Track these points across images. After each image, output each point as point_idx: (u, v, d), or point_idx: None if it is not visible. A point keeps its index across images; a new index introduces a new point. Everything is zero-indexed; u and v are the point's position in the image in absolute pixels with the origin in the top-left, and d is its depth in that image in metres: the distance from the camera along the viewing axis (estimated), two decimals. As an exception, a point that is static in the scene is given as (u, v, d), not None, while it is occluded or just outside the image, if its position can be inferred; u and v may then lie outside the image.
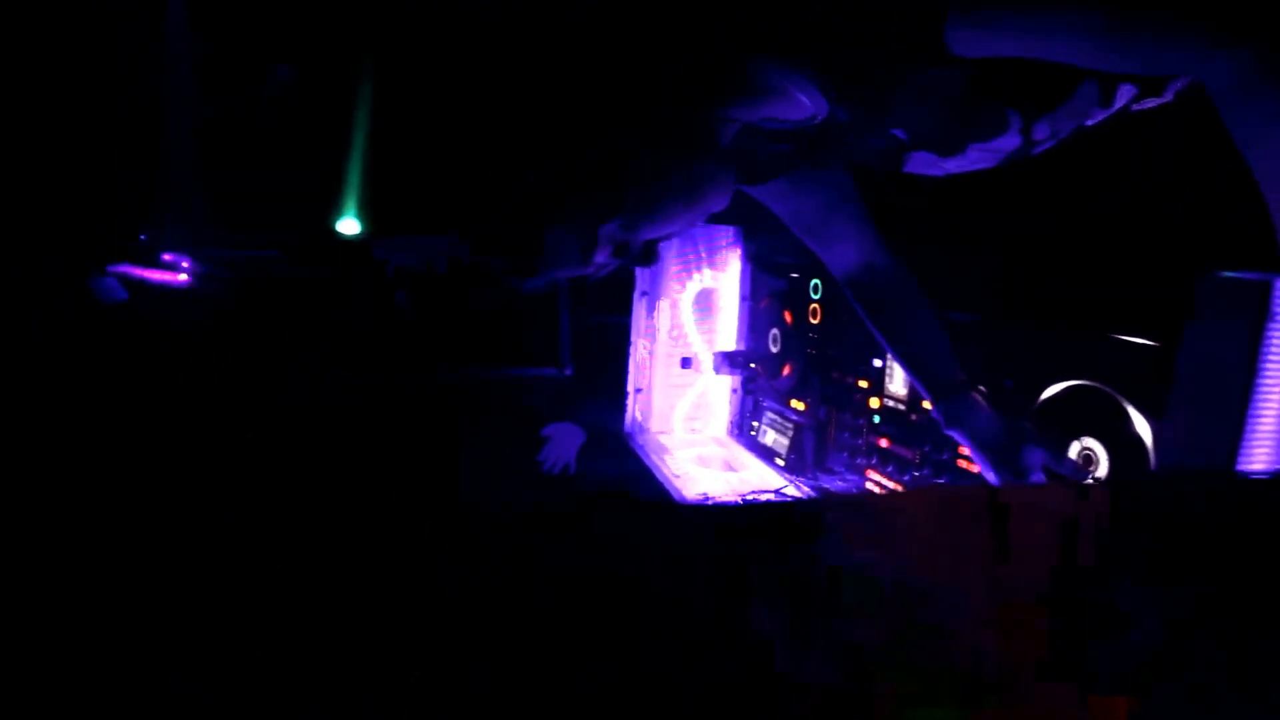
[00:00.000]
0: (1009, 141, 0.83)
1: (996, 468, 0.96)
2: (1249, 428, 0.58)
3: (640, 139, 0.77)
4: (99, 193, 2.29)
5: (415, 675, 0.31)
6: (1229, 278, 0.60)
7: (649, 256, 0.84)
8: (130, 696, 0.29)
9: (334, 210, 2.98)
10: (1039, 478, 0.92)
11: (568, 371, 2.17)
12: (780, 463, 1.69)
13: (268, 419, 2.18)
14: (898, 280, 1.05)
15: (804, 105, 0.80)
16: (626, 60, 0.79)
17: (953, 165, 0.89)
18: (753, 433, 1.85)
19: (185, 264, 2.32)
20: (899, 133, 0.84)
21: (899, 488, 1.29)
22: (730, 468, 1.86)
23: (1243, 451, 0.58)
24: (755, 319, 1.81)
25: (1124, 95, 0.79)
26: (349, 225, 2.97)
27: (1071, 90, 0.77)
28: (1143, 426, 0.82)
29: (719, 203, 0.83)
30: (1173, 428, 0.69)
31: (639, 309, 1.98)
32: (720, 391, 2.09)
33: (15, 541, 0.33)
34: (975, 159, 0.86)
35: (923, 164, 0.89)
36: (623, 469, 1.82)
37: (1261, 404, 0.58)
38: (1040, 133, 0.82)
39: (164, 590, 0.33)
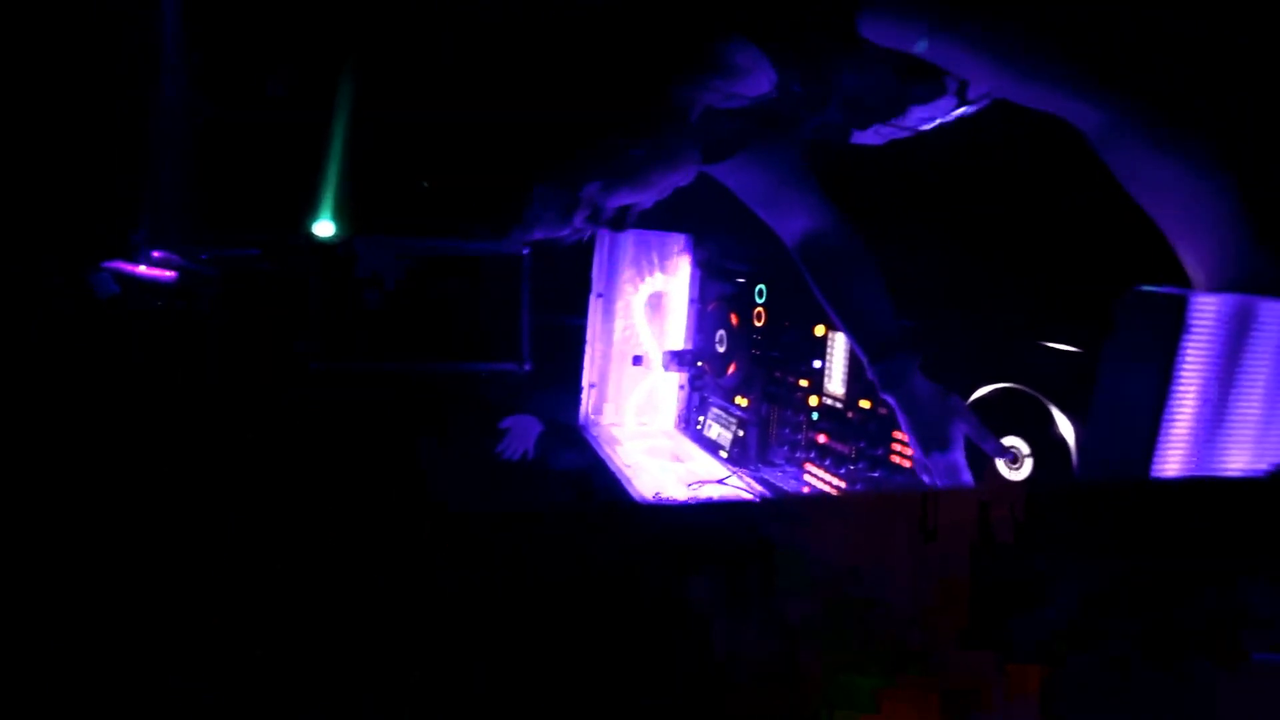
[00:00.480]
0: (946, 104, 0.91)
1: (923, 439, 1.01)
2: (1162, 435, 0.60)
3: (623, 111, 0.82)
4: (94, 191, 2.23)
5: (410, 672, 0.32)
6: (1147, 292, 0.61)
7: (620, 222, 0.89)
8: (131, 697, 0.29)
9: (311, 212, 2.94)
10: (961, 452, 1.00)
11: (527, 367, 2.20)
12: (724, 455, 1.77)
13: (256, 410, 2.15)
14: (845, 241, 1.11)
15: (760, 82, 0.87)
16: (610, 39, 0.83)
17: (893, 131, 0.96)
18: (698, 427, 1.92)
19: (174, 260, 2.30)
20: (842, 104, 0.91)
21: (836, 480, 1.38)
22: (677, 459, 1.93)
23: (1156, 458, 0.60)
24: (703, 320, 1.89)
25: None
26: (324, 227, 2.94)
27: None
28: (1067, 429, 0.91)
29: (686, 176, 0.90)
30: (1092, 433, 0.71)
31: (594, 309, 2.03)
32: (669, 388, 2.16)
33: (14, 539, 0.32)
34: (919, 119, 0.94)
35: (868, 133, 0.97)
36: (578, 460, 1.87)
37: (1175, 413, 0.60)
38: (975, 92, 0.89)
39: (162, 588, 0.33)
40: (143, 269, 2.57)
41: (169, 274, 2.53)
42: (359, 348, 2.24)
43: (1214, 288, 0.70)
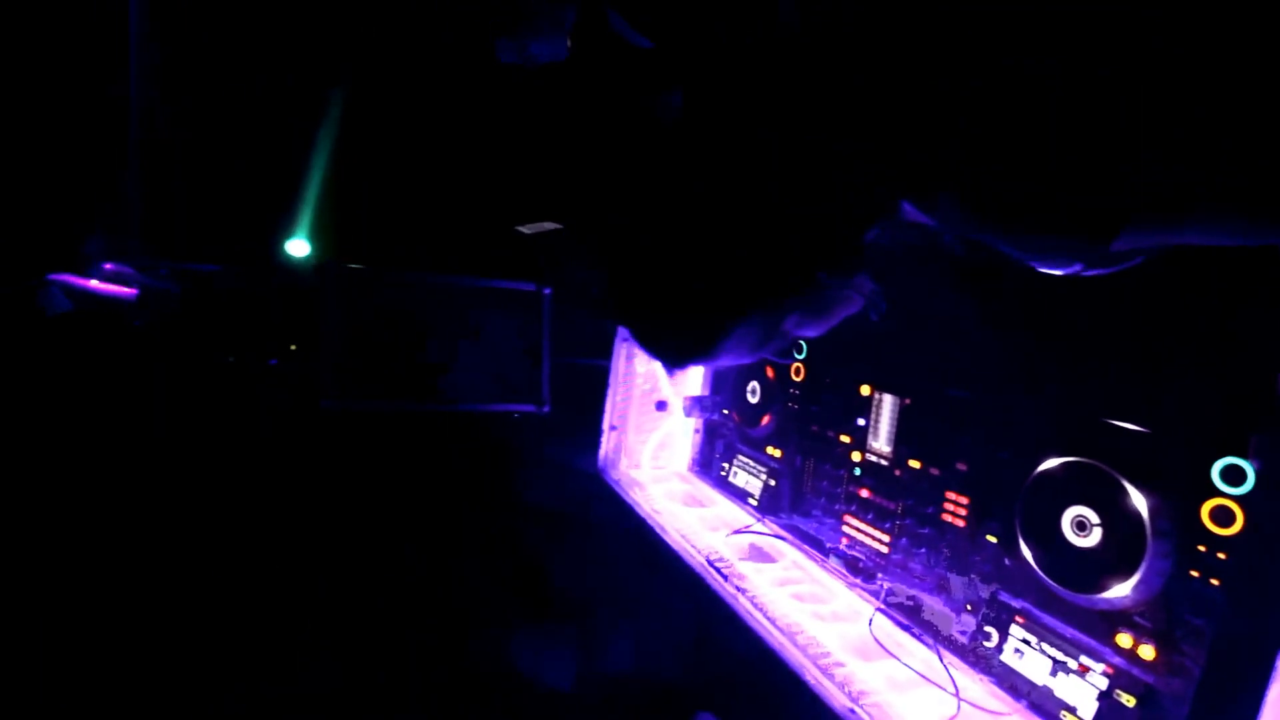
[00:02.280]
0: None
1: None
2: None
3: (827, 248, 0.85)
4: (42, 198, 2.11)
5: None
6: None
7: (791, 352, 0.93)
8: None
9: (284, 229, 2.87)
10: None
11: (546, 408, 2.22)
12: (753, 502, 1.83)
13: (217, 441, 2.08)
14: None
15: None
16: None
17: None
18: (722, 473, 1.98)
19: (129, 274, 2.18)
20: None
21: (879, 533, 1.45)
22: (698, 502, 1.98)
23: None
24: (737, 372, 1.95)
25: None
26: (298, 247, 2.88)
27: None
28: (1141, 502, 1.01)
29: (856, 306, 0.95)
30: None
31: (619, 352, 2.07)
32: (683, 431, 2.21)
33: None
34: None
35: None
36: (608, 507, 1.90)
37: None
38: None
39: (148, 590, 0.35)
40: (95, 283, 2.45)
41: (127, 290, 2.42)
42: (369, 385, 2.21)
43: None
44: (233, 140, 2.51)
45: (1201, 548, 0.95)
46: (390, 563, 2.20)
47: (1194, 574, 0.96)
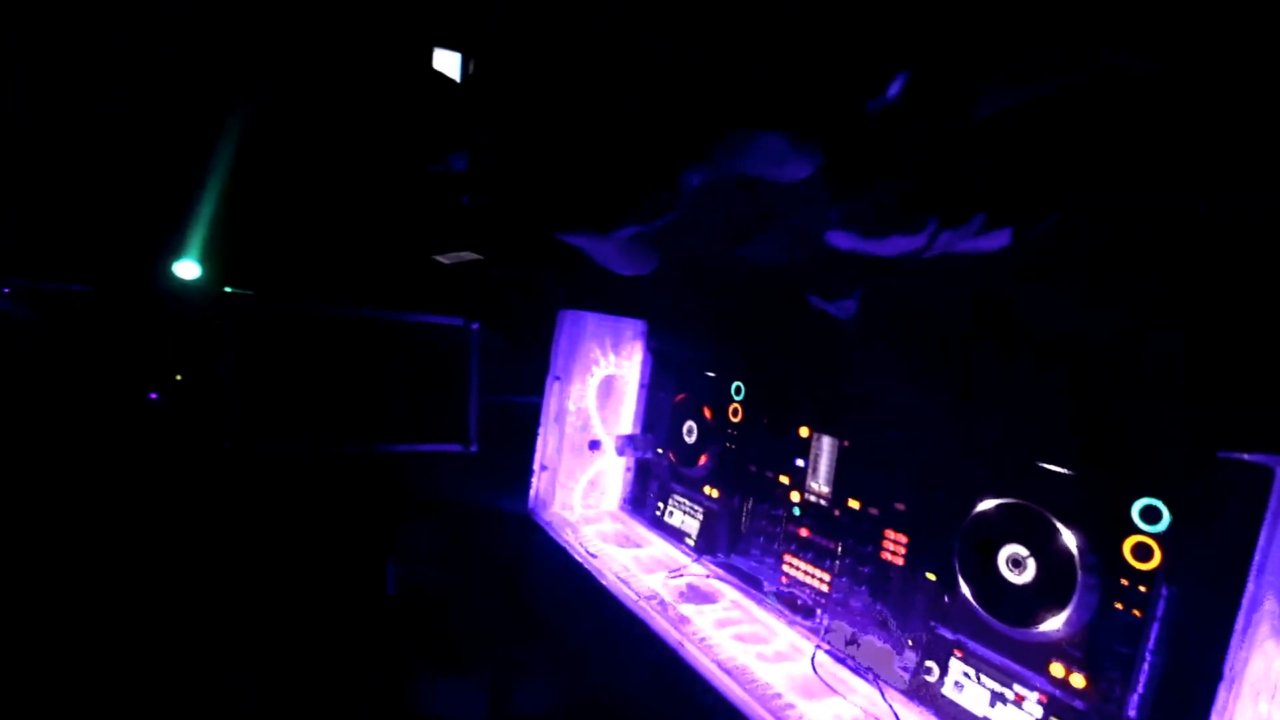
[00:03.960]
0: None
1: None
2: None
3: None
4: None
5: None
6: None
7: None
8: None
9: (170, 249, 2.65)
10: None
11: (473, 448, 2.13)
12: (690, 543, 1.83)
13: (82, 488, 1.85)
14: None
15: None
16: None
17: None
18: (658, 513, 1.98)
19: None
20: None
21: (819, 572, 1.49)
22: (632, 542, 1.96)
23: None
24: (665, 409, 1.96)
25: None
26: (187, 269, 2.67)
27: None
28: (1071, 540, 1.09)
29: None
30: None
31: (552, 391, 2.04)
32: (614, 471, 2.20)
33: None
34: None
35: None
36: (541, 551, 1.84)
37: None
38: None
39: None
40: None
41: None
42: (279, 425, 2.06)
43: None
44: (113, 146, 2.30)
45: (1125, 581, 1.04)
46: (299, 614, 2.04)
47: (1118, 606, 1.04)
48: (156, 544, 2.01)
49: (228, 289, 2.41)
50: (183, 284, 2.59)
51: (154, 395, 2.33)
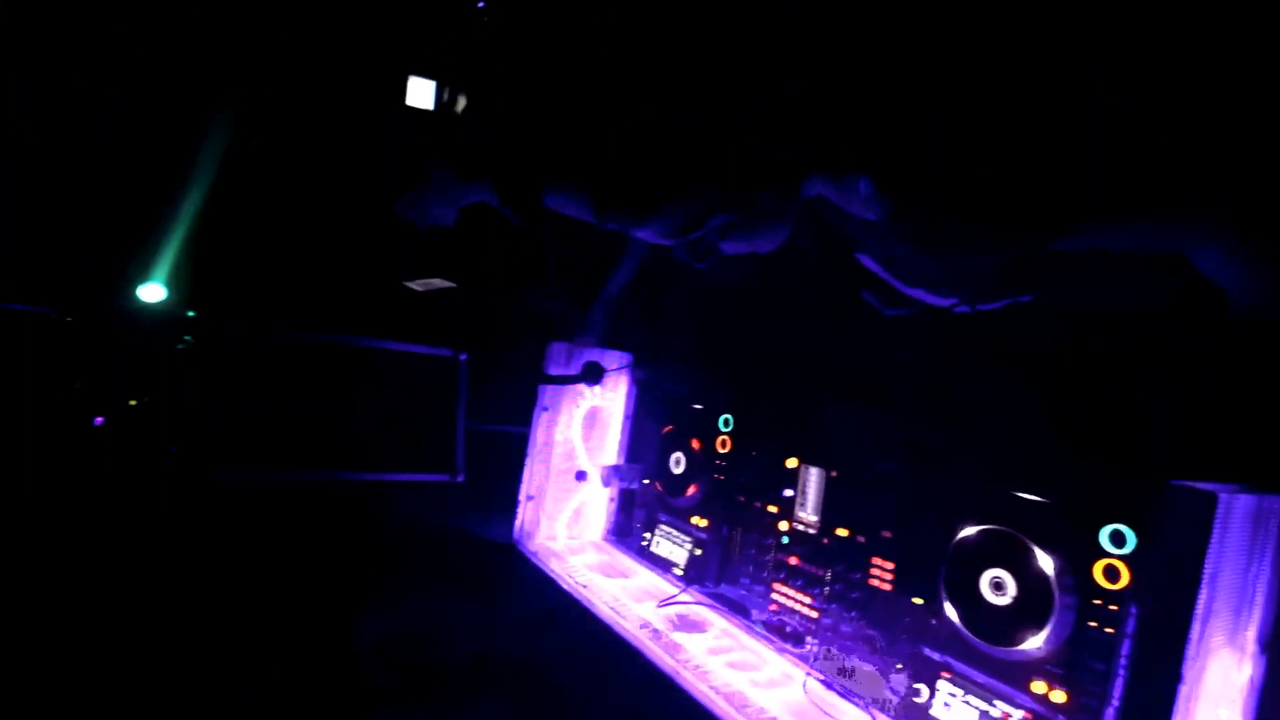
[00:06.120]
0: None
1: None
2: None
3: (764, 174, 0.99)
4: None
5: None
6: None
7: (707, 255, 1.04)
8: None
9: (136, 272, 2.62)
10: None
11: (460, 478, 2.14)
12: (678, 572, 1.88)
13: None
14: None
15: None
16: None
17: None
18: (644, 543, 2.02)
19: None
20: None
21: (808, 599, 1.55)
22: (619, 573, 2.00)
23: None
24: (660, 442, 2.02)
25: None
26: (153, 291, 2.63)
27: None
28: (1048, 563, 1.18)
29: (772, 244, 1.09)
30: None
31: (539, 422, 2.07)
32: (597, 501, 2.23)
33: None
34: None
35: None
36: (530, 581, 1.86)
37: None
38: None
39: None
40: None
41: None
42: (246, 451, 2.04)
43: None
44: (78, 161, 2.27)
45: (1097, 601, 1.13)
46: (279, 646, 1.99)
47: (1092, 624, 1.13)
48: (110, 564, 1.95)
49: (191, 313, 2.39)
50: (148, 307, 2.55)
51: (99, 420, 2.28)
